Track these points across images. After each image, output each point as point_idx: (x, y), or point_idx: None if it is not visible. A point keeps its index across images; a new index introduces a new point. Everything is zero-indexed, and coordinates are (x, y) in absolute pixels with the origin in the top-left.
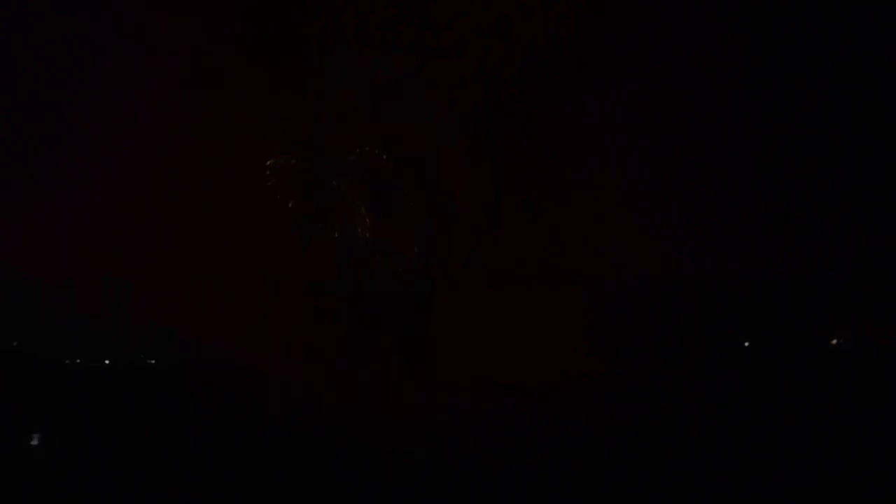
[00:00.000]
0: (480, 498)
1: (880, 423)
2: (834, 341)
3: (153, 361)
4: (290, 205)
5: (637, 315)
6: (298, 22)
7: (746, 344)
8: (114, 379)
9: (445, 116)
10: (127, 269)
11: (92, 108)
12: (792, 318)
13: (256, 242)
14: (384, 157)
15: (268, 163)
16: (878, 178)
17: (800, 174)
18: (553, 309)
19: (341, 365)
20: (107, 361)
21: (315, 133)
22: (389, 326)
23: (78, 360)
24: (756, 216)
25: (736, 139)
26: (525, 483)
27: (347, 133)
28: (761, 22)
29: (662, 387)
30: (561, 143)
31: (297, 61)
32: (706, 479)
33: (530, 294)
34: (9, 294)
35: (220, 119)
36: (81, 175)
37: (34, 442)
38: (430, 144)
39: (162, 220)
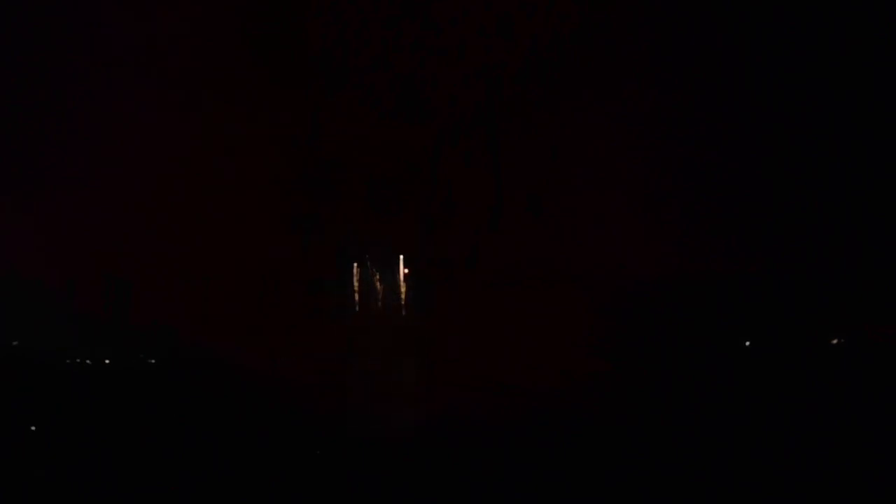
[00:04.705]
0: (481, 498)
1: (880, 423)
2: (834, 341)
3: (153, 361)
4: (290, 205)
5: (638, 315)
6: (299, 21)
7: (747, 344)
8: (114, 379)
9: (446, 116)
10: (127, 269)
11: (92, 107)
12: (792, 318)
13: (256, 242)
14: (384, 156)
15: (268, 163)
16: (879, 178)
17: (800, 174)
18: (554, 309)
19: (341, 365)
20: (107, 361)
21: (315, 133)
22: (389, 326)
23: (78, 360)
24: (756, 216)
25: (738, 139)
26: (526, 483)
27: (347, 133)
28: (764, 21)
29: (663, 386)
30: (563, 142)
31: (297, 61)
32: (707, 479)
33: (531, 294)
34: (9, 294)
35: (220, 118)
36: (81, 175)
37: (34, 442)
38: (430, 144)
39: (162, 219)
